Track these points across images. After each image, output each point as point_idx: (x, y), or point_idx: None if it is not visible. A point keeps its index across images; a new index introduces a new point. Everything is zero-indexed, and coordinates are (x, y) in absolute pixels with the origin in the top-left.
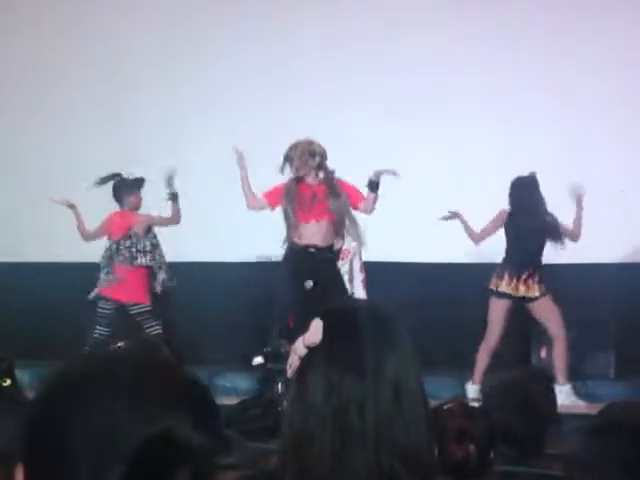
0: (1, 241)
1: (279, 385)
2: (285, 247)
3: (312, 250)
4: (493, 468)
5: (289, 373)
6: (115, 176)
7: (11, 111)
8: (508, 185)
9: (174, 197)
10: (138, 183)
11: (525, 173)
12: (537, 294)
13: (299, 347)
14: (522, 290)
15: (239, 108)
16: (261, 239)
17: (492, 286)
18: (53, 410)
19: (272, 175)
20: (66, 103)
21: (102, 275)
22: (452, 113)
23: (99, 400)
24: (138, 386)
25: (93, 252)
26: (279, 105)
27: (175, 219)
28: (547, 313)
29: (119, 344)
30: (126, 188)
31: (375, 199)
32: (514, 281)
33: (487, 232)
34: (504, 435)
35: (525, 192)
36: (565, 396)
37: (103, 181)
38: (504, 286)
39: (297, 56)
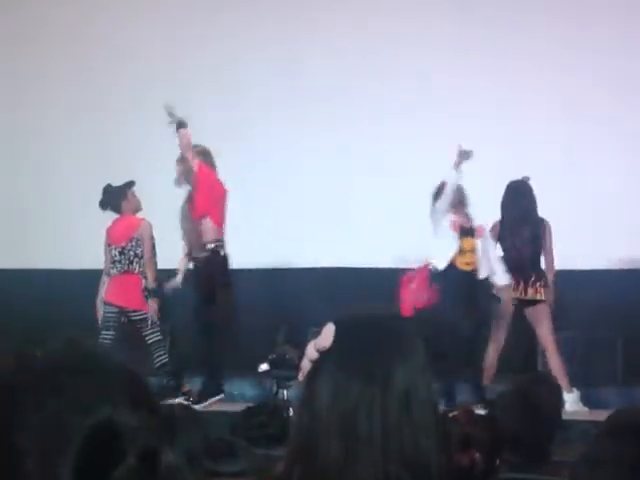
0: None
1: (284, 392)
2: None
3: None
4: (499, 475)
5: (300, 376)
6: (106, 189)
7: (15, 114)
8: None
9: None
10: (128, 186)
11: (525, 175)
12: (543, 297)
13: (310, 350)
14: (530, 293)
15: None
16: (267, 246)
17: (498, 292)
18: None
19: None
20: (73, 107)
21: (104, 279)
22: (451, 115)
23: (36, 399)
24: (70, 380)
25: (94, 259)
26: (282, 106)
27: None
28: (543, 319)
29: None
30: (116, 195)
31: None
32: (522, 285)
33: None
34: (510, 442)
35: (516, 196)
36: (571, 403)
37: (105, 199)
38: (512, 292)
39: (296, 58)
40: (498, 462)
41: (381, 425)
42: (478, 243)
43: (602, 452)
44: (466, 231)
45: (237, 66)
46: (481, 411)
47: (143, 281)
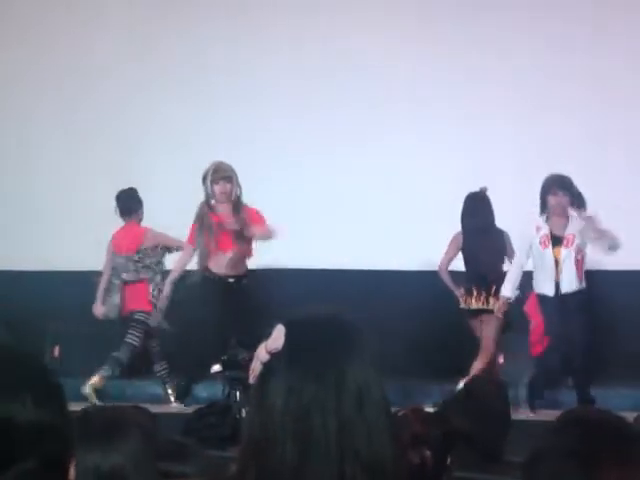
0: None
1: (237, 393)
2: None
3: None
4: (451, 474)
5: (251, 379)
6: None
7: (7, 119)
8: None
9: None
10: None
11: (482, 186)
12: (505, 308)
13: (261, 353)
14: (491, 302)
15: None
16: None
17: (464, 305)
18: None
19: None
20: (65, 113)
21: (113, 294)
22: (436, 122)
23: None
24: None
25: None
26: (284, 108)
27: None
28: (493, 326)
29: None
30: (138, 201)
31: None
32: (483, 294)
33: (449, 256)
34: (462, 441)
35: (478, 206)
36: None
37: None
38: (474, 302)
39: (270, 60)
40: (450, 460)
41: (335, 425)
42: (564, 252)
43: (548, 447)
44: (556, 240)
45: (241, 64)
46: (430, 409)
47: (150, 287)
